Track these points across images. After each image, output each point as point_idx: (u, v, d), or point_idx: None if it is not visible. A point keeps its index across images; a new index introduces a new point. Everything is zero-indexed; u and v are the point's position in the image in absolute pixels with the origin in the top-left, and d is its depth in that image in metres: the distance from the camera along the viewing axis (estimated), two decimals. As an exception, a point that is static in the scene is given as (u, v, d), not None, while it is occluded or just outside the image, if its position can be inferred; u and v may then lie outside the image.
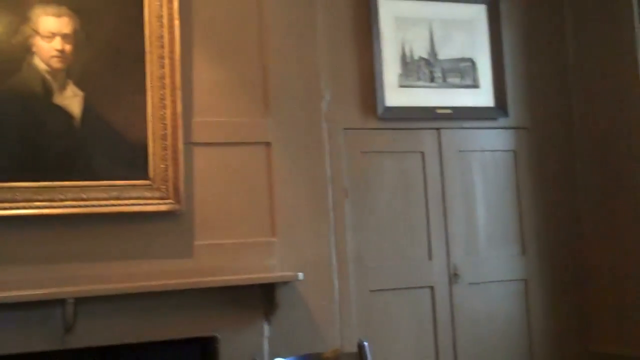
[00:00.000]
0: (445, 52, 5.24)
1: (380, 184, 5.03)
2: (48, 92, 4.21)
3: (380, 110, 5.01)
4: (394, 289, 5.01)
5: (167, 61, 4.42)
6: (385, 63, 5.06)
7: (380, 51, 5.04)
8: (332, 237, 4.81)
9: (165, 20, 4.44)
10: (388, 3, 5.09)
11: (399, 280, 5.02)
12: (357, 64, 5.04)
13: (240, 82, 4.70)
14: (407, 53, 5.13)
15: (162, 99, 4.40)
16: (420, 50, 5.17)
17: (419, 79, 5.14)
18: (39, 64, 4.20)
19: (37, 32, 4.21)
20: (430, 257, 5.11)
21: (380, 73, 5.03)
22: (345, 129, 4.96)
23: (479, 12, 5.36)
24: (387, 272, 4.99)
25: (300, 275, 4.47)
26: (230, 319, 4.48)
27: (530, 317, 5.31)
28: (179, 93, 4.41)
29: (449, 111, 5.18)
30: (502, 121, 5.37)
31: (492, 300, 5.24)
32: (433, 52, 5.20)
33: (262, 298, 4.55)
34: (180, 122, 4.41)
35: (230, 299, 4.48)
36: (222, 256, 4.51)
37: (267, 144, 4.69)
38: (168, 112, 4.39)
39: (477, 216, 5.26)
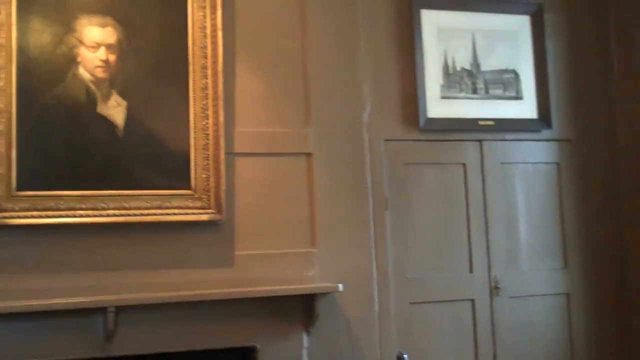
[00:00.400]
0: (488, 63, 5.19)
1: (421, 195, 5.00)
2: (92, 101, 4.24)
3: (422, 122, 4.98)
4: (434, 302, 4.97)
5: (209, 71, 4.43)
6: (428, 74, 5.03)
7: (422, 62, 5.01)
8: (372, 248, 4.78)
9: (208, 31, 4.45)
10: (430, 14, 5.06)
11: (439, 293, 4.98)
12: (398, 75, 5.02)
13: (282, 93, 4.70)
14: (450, 64, 5.10)
15: (205, 109, 4.41)
16: (462, 61, 5.14)
17: (461, 90, 5.10)
18: (84, 73, 4.24)
19: (82, 43, 4.25)
20: (471, 269, 5.06)
21: (422, 84, 5.00)
22: (386, 140, 4.93)
23: (523, 23, 5.31)
24: (427, 285, 4.95)
25: (340, 286, 4.45)
26: (269, 329, 4.48)
27: (572, 331, 5.23)
28: (221, 103, 4.42)
29: (491, 123, 5.13)
30: (545, 133, 5.31)
31: (533, 314, 5.17)
32: (476, 63, 5.16)
33: (301, 309, 4.54)
34: (222, 132, 4.41)
35: (269, 309, 4.47)
36: (262, 266, 4.51)
37: (308, 154, 4.69)
38: (210, 122, 4.40)
39: (518, 229, 5.20)
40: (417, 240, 4.96)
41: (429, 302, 4.96)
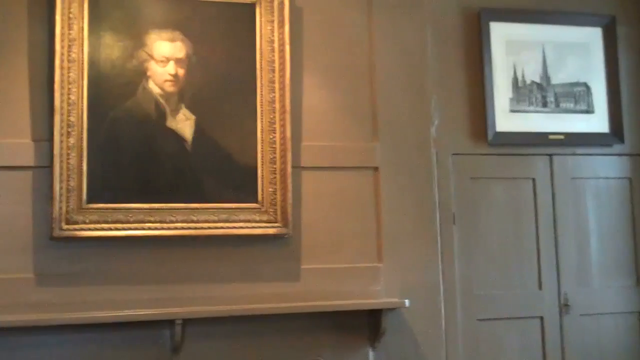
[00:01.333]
0: (559, 76, 5.09)
1: (489, 210, 4.93)
2: (161, 115, 4.27)
3: (490, 136, 4.91)
4: (502, 319, 4.88)
5: (277, 85, 4.42)
6: (496, 87, 4.96)
7: (491, 75, 4.94)
8: (439, 264, 4.71)
9: (276, 45, 4.44)
10: (500, 26, 4.99)
11: (507, 310, 4.89)
12: (467, 88, 4.96)
13: (349, 107, 4.67)
14: (519, 77, 5.01)
15: (272, 122, 4.40)
16: (532, 74, 5.04)
17: (530, 103, 5.01)
18: (153, 87, 4.27)
19: (151, 57, 4.27)
20: (540, 286, 4.95)
21: (491, 97, 4.93)
22: (454, 154, 4.87)
23: (594, 35, 5.20)
24: (495, 301, 4.87)
25: (407, 302, 4.40)
26: (335, 344, 4.45)
27: (645, 351, 5.08)
28: (288, 117, 4.40)
29: (561, 137, 5.03)
30: (617, 148, 5.18)
31: (604, 332, 5.04)
32: (546, 76, 5.06)
33: (367, 324, 4.50)
34: (289, 145, 4.39)
35: (335, 324, 4.44)
36: (328, 280, 4.48)
37: (375, 168, 4.64)
38: (277, 135, 4.39)
39: (589, 245, 5.08)
40: (484, 256, 4.88)
41: (496, 319, 4.87)
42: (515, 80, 5.00)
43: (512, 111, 4.97)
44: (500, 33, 4.99)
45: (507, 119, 4.95)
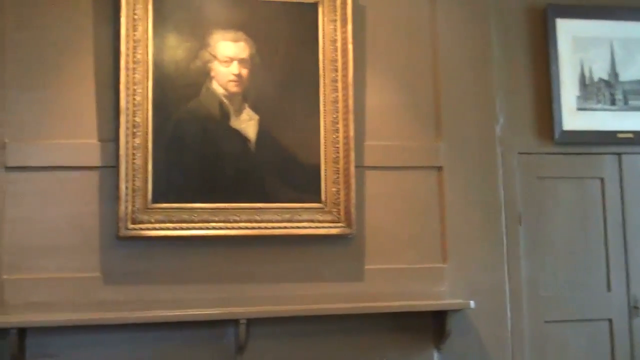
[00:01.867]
0: (627, 74, 4.95)
1: (556, 210, 4.81)
2: (225, 115, 4.27)
3: (557, 134, 4.80)
4: (569, 321, 4.77)
5: (340, 84, 4.40)
6: (563, 85, 4.84)
7: (557, 73, 4.83)
8: (505, 265, 4.62)
9: (339, 44, 4.42)
10: (566, 23, 4.88)
11: (575, 312, 4.77)
12: (532, 86, 4.86)
13: (413, 106, 4.62)
14: (586, 74, 4.89)
15: (335, 122, 4.37)
16: (600, 71, 4.92)
17: (598, 101, 4.88)
18: (217, 88, 4.27)
19: (215, 57, 4.28)
20: (608, 288, 4.83)
21: (558, 95, 4.82)
22: (519, 153, 4.78)
23: (664, 31, 5.05)
24: (562, 303, 4.76)
25: (472, 303, 4.34)
26: (399, 345, 4.41)
27: None
28: (351, 116, 4.37)
29: (630, 135, 4.89)
30: (688, 146, 5.02)
31: (676, 335, 4.88)
32: (614, 73, 4.92)
33: (432, 325, 4.45)
34: (352, 145, 4.36)
35: (399, 325, 4.40)
36: (392, 281, 4.43)
37: (439, 168, 4.58)
38: (340, 135, 4.37)
39: (660, 246, 4.93)
40: (551, 257, 4.77)
41: (563, 321, 4.76)
42: (582, 77, 4.88)
43: (580, 109, 4.85)
44: (567, 30, 4.88)
45: (574, 117, 4.84)
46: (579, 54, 4.90)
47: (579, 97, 4.86)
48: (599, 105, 4.88)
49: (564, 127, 4.81)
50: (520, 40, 4.88)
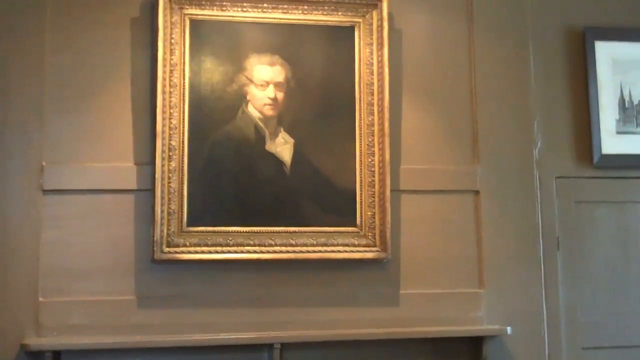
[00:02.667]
0: (668, 97, 4.84)
1: (595, 235, 4.69)
2: (261, 139, 4.24)
3: (595, 158, 4.69)
4: (609, 347, 4.62)
5: (376, 108, 4.35)
6: (602, 108, 4.73)
7: (596, 96, 4.73)
8: (543, 290, 4.52)
9: (375, 67, 4.37)
10: (605, 45, 4.77)
11: (614, 338, 4.63)
12: (571, 109, 4.75)
13: (449, 129, 4.55)
14: (626, 97, 4.77)
15: (371, 146, 4.32)
16: (640, 94, 4.81)
17: (638, 124, 4.76)
18: (253, 111, 4.24)
19: (251, 81, 4.26)
20: (649, 314, 4.69)
21: (597, 119, 4.71)
22: (557, 177, 4.67)
23: None
24: (601, 329, 4.62)
25: (509, 329, 4.26)
26: (434, 371, 4.32)
27: None
28: (387, 140, 4.31)
29: (671, 160, 4.77)
30: None
31: None
32: (654, 96, 4.82)
33: (468, 351, 4.35)
34: (388, 169, 4.30)
35: (435, 350, 4.32)
36: (428, 306, 4.36)
37: (476, 192, 4.51)
38: (376, 159, 4.31)
39: None
40: (590, 282, 4.64)
41: (603, 348, 4.62)
42: (622, 100, 4.77)
43: (619, 133, 4.74)
44: (606, 52, 4.78)
45: (613, 141, 4.72)
46: (618, 77, 4.79)
47: (618, 121, 4.75)
48: (639, 129, 4.76)
49: (603, 150, 4.70)
50: (559, 63, 4.78)
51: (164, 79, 4.12)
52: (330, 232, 4.25)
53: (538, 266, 4.53)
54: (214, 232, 4.13)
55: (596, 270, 4.66)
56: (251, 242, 4.15)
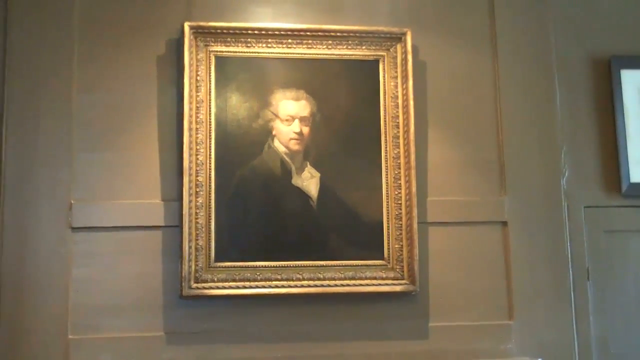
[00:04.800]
0: (696, 124, 4.66)
1: (626, 265, 4.52)
2: (287, 173, 4.15)
3: (624, 187, 4.53)
4: (642, 379, 4.45)
5: (401, 141, 4.24)
6: (629, 137, 4.57)
7: (623, 124, 4.57)
8: (573, 322, 4.35)
9: (400, 100, 4.27)
10: (632, 74, 4.62)
11: (647, 370, 4.45)
12: (598, 138, 4.60)
13: (476, 160, 4.42)
14: (653, 125, 4.62)
15: (397, 178, 4.21)
16: (667, 122, 4.64)
17: (666, 152, 4.60)
18: (279, 146, 4.16)
19: (277, 116, 4.18)
20: (683, 345, 4.49)
21: (624, 147, 4.55)
22: (586, 206, 4.51)
23: None
24: (634, 360, 4.44)
25: None
26: (465, 405, 4.17)
27: None
28: (413, 172, 4.20)
29: (700, 187, 4.58)
30: None
31: None
32: (681, 124, 4.64)
33: None
34: (415, 201, 4.18)
35: None
36: (457, 338, 4.21)
37: (504, 223, 4.36)
38: (403, 191, 4.20)
39: None
40: (622, 313, 4.46)
41: (636, 379, 4.44)
42: (649, 129, 4.62)
43: (647, 161, 4.58)
44: (633, 81, 4.62)
45: (642, 170, 4.57)
46: (645, 105, 4.64)
47: (646, 149, 4.59)
48: (668, 157, 4.60)
49: (631, 179, 4.54)
50: (585, 92, 4.64)
51: (190, 116, 4.05)
52: (358, 266, 4.14)
53: (568, 297, 4.36)
54: (241, 267, 4.04)
55: (627, 301, 4.49)
56: (279, 277, 4.05)
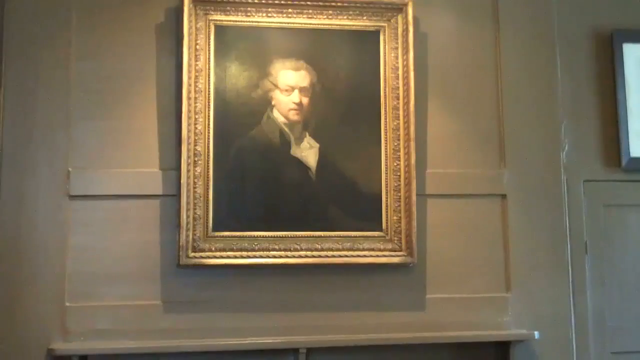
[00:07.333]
0: (698, 99, 4.46)
1: (624, 239, 4.35)
2: (286, 144, 3.99)
3: (624, 161, 4.35)
4: (638, 352, 4.28)
5: (401, 112, 4.07)
6: (630, 111, 4.39)
7: (624, 99, 4.39)
8: (571, 294, 4.20)
9: (400, 72, 4.10)
10: (634, 47, 4.43)
11: (643, 343, 4.31)
12: (599, 112, 4.42)
13: (476, 133, 4.25)
14: (654, 100, 4.42)
15: (396, 150, 4.05)
16: (669, 96, 4.44)
17: (667, 127, 4.41)
18: (278, 116, 3.99)
19: (276, 86, 4.01)
20: (679, 318, 4.34)
21: (625, 122, 4.37)
22: (585, 180, 4.33)
23: None
24: (630, 333, 4.28)
25: (536, 334, 3.97)
26: (461, 376, 4.05)
27: None
28: (413, 144, 4.03)
29: (701, 162, 4.39)
30: None
31: None
32: (683, 98, 4.44)
33: (495, 355, 4.07)
34: (414, 173, 4.02)
35: (461, 355, 4.05)
36: (454, 311, 4.07)
37: (503, 196, 4.20)
38: (402, 163, 4.04)
39: None
40: (619, 286, 4.30)
41: (631, 352, 4.28)
42: (650, 103, 4.42)
43: (648, 135, 4.39)
44: (635, 54, 4.43)
45: (642, 144, 4.38)
46: (646, 79, 4.44)
47: (647, 124, 4.40)
48: (668, 132, 4.41)
49: (631, 153, 4.36)
50: (586, 66, 4.45)
51: (189, 85, 3.89)
52: (356, 237, 3.99)
53: (566, 270, 4.21)
54: (239, 237, 3.89)
55: (625, 274, 4.34)
56: (277, 247, 3.91)
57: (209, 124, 3.90)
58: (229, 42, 3.99)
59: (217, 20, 3.98)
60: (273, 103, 3.99)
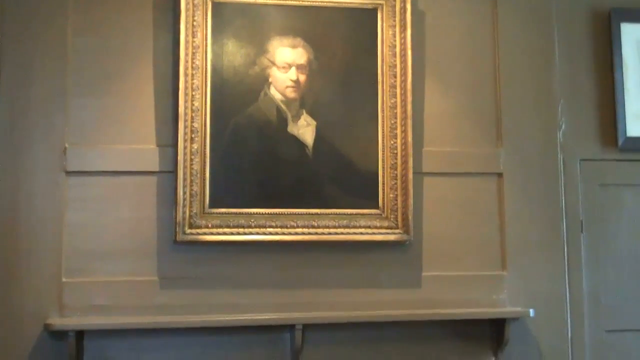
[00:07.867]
0: (694, 79, 4.43)
1: (620, 218, 4.33)
2: (283, 121, 3.95)
3: (620, 141, 4.32)
4: (632, 330, 4.27)
5: (398, 90, 4.03)
6: (627, 91, 4.35)
7: (621, 78, 4.35)
8: (566, 273, 4.19)
9: (397, 50, 4.05)
10: (631, 27, 4.39)
11: (637, 321, 4.28)
12: (595, 92, 4.38)
13: (473, 111, 4.21)
14: (652, 80, 4.38)
15: (393, 128, 4.01)
16: (666, 76, 4.41)
17: (664, 107, 4.37)
18: (275, 94, 3.95)
19: (273, 63, 3.97)
20: (674, 297, 4.32)
21: (622, 101, 4.33)
22: (582, 160, 4.31)
23: None
24: (625, 312, 4.27)
25: (531, 311, 3.97)
26: (456, 353, 4.05)
27: None
28: (409, 122, 4.00)
29: (697, 142, 4.36)
30: None
31: None
32: (680, 78, 4.41)
33: (490, 333, 4.07)
34: (410, 151, 3.99)
35: (457, 332, 4.04)
36: (450, 288, 4.05)
37: (499, 174, 4.17)
38: (399, 141, 4.00)
39: None
40: (614, 265, 4.28)
41: (626, 331, 4.28)
42: (647, 83, 4.38)
43: (645, 115, 4.36)
44: (632, 35, 4.39)
45: (638, 124, 4.34)
46: (644, 59, 4.41)
47: (643, 103, 4.37)
48: (665, 112, 4.37)
49: (628, 133, 4.33)
50: (584, 45, 4.41)
51: (186, 61, 3.84)
52: (352, 214, 3.97)
53: (561, 249, 4.20)
54: (235, 213, 3.87)
55: (620, 253, 4.32)
56: (273, 224, 3.88)
57: (206, 101, 3.86)
58: (227, 19, 3.94)
59: (214, -4, 3.94)
60: (270, 80, 3.95)
